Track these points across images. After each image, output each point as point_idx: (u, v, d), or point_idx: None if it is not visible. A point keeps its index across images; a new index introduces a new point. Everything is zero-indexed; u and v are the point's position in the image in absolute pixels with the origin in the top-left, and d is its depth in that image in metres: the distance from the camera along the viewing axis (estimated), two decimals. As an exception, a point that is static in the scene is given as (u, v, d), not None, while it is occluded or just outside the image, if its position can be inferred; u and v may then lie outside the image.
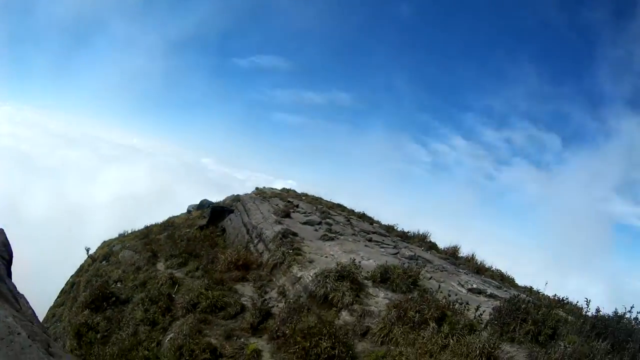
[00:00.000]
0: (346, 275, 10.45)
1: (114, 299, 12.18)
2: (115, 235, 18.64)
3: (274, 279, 11.92)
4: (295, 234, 13.04)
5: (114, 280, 13.55)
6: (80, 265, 16.38)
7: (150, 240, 15.79)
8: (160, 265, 13.28)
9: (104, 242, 18.68)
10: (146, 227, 18.34)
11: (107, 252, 15.85)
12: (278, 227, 13.33)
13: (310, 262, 11.74)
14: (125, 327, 10.85)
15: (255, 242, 13.65)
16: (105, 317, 11.49)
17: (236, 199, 18.49)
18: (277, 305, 10.50)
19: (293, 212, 15.00)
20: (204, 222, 16.73)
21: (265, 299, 10.56)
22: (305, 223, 14.16)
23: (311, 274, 10.95)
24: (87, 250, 14.64)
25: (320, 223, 14.24)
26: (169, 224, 18.25)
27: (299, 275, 11.28)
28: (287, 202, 16.27)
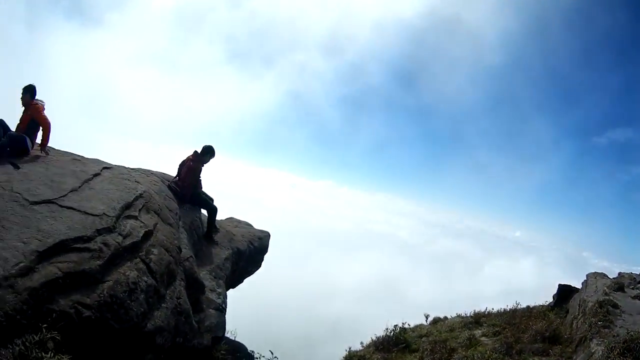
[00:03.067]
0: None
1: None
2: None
3: (574, 357, 9.81)
4: (616, 306, 10.32)
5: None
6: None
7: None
8: (477, 332, 13.36)
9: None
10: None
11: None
12: (601, 297, 11.02)
13: (616, 336, 9.03)
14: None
15: (579, 317, 11.51)
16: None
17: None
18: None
19: (633, 288, 11.35)
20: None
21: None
22: (636, 297, 10.52)
23: (602, 349, 8.54)
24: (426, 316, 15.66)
25: (670, 299, 10.18)
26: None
27: (592, 351, 8.96)
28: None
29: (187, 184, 10.07)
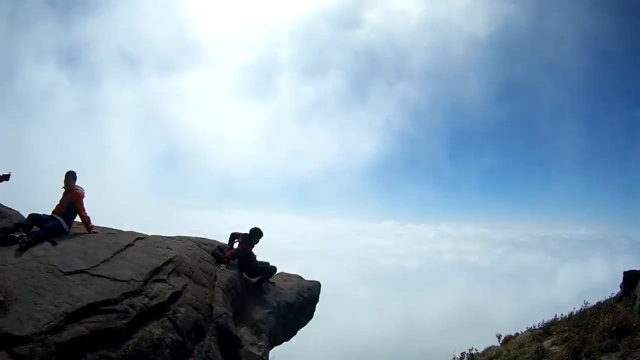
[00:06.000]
0: None
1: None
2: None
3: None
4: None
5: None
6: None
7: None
8: (546, 343, 12.40)
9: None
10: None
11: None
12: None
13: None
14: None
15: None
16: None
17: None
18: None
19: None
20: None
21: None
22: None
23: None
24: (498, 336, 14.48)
25: None
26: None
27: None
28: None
29: (229, 257, 10.60)
